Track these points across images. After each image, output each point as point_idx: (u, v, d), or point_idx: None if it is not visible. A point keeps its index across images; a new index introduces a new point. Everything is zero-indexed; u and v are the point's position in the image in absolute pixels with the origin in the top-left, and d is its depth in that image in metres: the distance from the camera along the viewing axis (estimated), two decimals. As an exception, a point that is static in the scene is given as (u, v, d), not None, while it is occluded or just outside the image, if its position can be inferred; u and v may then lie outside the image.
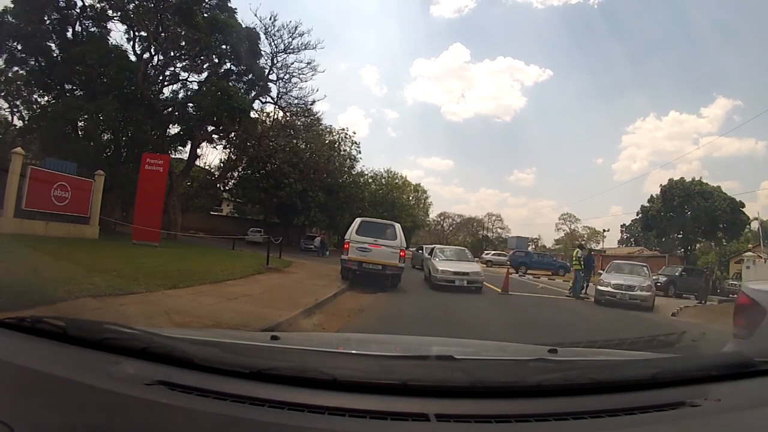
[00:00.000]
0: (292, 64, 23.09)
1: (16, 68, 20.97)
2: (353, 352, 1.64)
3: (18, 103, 22.89)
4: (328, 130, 32.29)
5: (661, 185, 33.73)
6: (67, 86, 21.04)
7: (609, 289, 11.75)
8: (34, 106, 21.63)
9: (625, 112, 77.70)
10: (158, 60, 22.17)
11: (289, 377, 1.09)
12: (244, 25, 22.23)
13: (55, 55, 20.48)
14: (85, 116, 19.66)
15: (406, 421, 0.99)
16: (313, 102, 23.76)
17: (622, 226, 47.67)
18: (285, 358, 1.30)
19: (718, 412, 1.15)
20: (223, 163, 25.92)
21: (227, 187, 31.10)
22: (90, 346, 1.19)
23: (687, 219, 30.82)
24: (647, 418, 1.08)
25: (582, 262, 13.68)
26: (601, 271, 13.50)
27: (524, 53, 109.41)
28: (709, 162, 62.20)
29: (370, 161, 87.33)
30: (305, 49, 22.69)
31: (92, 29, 21.50)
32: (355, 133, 35.87)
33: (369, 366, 1.28)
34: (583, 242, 38.70)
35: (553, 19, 75.27)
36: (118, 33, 23.61)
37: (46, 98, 21.30)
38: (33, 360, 1.13)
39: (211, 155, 46.87)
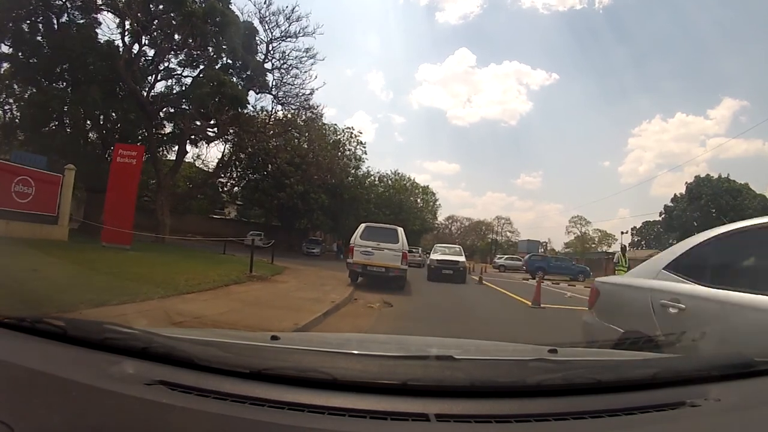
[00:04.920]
0: (290, 52, 21.12)
1: (6, 64, 20.11)
2: (353, 352, 1.55)
3: (11, 101, 20.94)
4: (332, 129, 30.22)
5: (686, 183, 31.81)
6: (51, 78, 20.22)
7: None
8: (21, 103, 19.89)
9: (630, 115, 77.22)
10: (149, 52, 21.11)
11: (289, 377, 1.08)
12: (240, 17, 21.05)
13: (41, 45, 19.69)
14: (66, 108, 17.73)
15: (406, 421, 0.98)
16: (312, 92, 21.72)
17: (633, 229, 44.98)
18: (285, 358, 1.27)
19: (718, 412, 1.14)
20: (220, 161, 23.77)
21: (225, 188, 29.05)
22: (90, 346, 1.19)
23: (714, 218, 28.13)
24: (647, 418, 1.06)
25: (621, 267, 11.25)
26: None
27: (530, 58, 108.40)
28: (716, 163, 60.12)
29: (378, 165, 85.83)
30: (303, 35, 20.89)
31: (80, 20, 20.52)
32: (361, 133, 33.69)
33: (369, 366, 1.26)
34: (622, 245, 35.79)
35: (558, 24, 74.24)
36: (111, 25, 22.27)
37: (31, 90, 19.69)
38: (33, 360, 1.12)
39: (210, 156, 44.79)
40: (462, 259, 17.16)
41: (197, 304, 6.38)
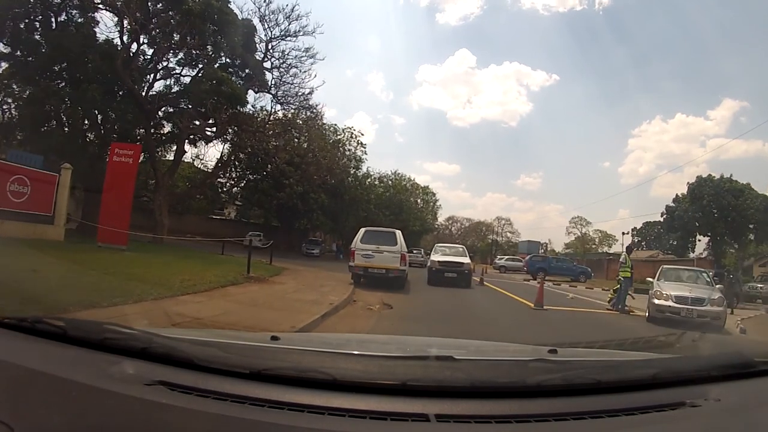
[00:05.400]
0: (290, 52, 20.95)
1: (4, 64, 20.01)
2: (353, 352, 1.55)
3: (10, 100, 20.78)
4: (332, 129, 29.98)
5: (688, 183, 31.56)
6: (50, 77, 20.04)
7: (670, 303, 9.18)
8: (19, 103, 19.77)
9: (630, 116, 77.95)
10: (148, 51, 20.92)
11: (288, 378, 1.08)
12: (239, 15, 20.85)
13: (39, 44, 19.54)
14: (64, 106, 17.55)
15: (406, 421, 0.98)
16: (311, 91, 21.49)
17: (633, 229, 44.72)
18: (285, 359, 1.28)
19: (718, 412, 1.14)
20: (218, 161, 23.55)
21: (224, 189, 28.82)
22: (90, 346, 1.19)
23: (716, 219, 27.81)
24: (647, 419, 1.07)
25: (632, 269, 10.99)
26: (651, 280, 10.64)
27: (531, 59, 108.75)
28: (716, 164, 59.91)
29: (378, 166, 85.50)
30: (303, 34, 20.77)
31: (78, 20, 20.45)
32: (362, 134, 33.44)
33: (369, 366, 1.26)
34: (631, 245, 35.16)
35: (559, 25, 74.52)
36: (110, 23, 21.84)
37: (29, 90, 19.51)
38: (33, 360, 1.12)
39: (210, 156, 44.38)
40: (467, 260, 15.49)
41: (191, 306, 6.19)
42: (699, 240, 32.53)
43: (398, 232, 13.06)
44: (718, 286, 10.64)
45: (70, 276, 7.11)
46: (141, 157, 21.91)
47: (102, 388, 1.00)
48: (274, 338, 1.57)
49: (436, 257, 15.28)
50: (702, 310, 8.95)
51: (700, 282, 10.47)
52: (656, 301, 9.45)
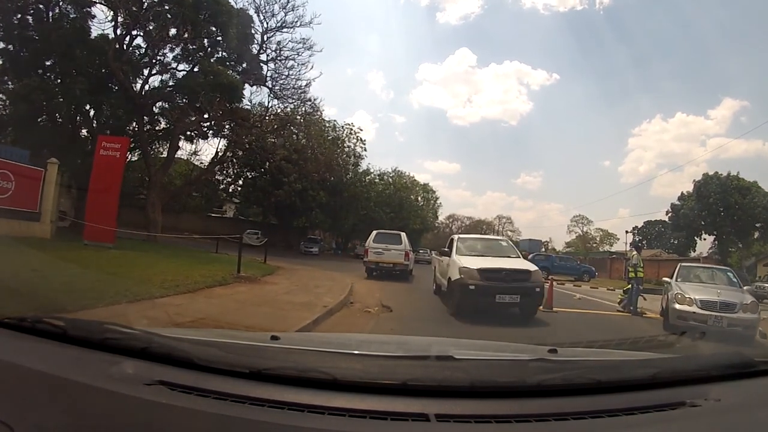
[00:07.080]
0: (286, 43, 20.44)
1: None
2: (353, 352, 1.56)
3: (3, 96, 20.21)
4: (331, 125, 29.37)
5: (694, 181, 30.70)
6: (42, 71, 19.74)
7: (695, 309, 7.90)
8: (9, 99, 19.26)
9: (631, 115, 78.24)
10: (143, 46, 20.13)
11: (289, 377, 1.08)
12: (234, 5, 20.06)
13: (32, 38, 19.20)
14: (54, 100, 16.99)
15: (406, 421, 0.98)
16: (309, 83, 20.95)
17: (634, 228, 44.21)
18: (285, 358, 1.28)
19: (718, 412, 1.13)
20: (214, 157, 23.00)
21: (222, 186, 28.23)
22: (90, 346, 1.19)
23: (722, 217, 27.23)
24: (647, 418, 1.06)
25: (642, 269, 10.35)
26: (668, 280, 9.79)
27: (531, 58, 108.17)
28: (716, 163, 59.37)
29: (378, 165, 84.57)
30: (300, 25, 20.23)
31: (73, 15, 19.68)
32: (361, 130, 32.72)
33: (369, 366, 1.26)
34: (640, 243, 34.33)
35: (559, 25, 74.73)
36: (102, 17, 21.08)
37: (21, 85, 18.92)
38: (33, 360, 1.12)
39: (209, 153, 43.60)
40: (532, 266, 8.59)
41: (167, 309, 5.57)
42: (704, 239, 32.02)
43: (403, 234, 15.99)
44: (746, 287, 9.71)
45: (40, 275, 6.55)
46: (135, 155, 21.38)
47: (102, 388, 1.00)
48: (275, 338, 1.56)
49: (467, 260, 8.22)
50: (733, 317, 7.70)
51: (724, 283, 9.22)
52: (678, 306, 8.12)
